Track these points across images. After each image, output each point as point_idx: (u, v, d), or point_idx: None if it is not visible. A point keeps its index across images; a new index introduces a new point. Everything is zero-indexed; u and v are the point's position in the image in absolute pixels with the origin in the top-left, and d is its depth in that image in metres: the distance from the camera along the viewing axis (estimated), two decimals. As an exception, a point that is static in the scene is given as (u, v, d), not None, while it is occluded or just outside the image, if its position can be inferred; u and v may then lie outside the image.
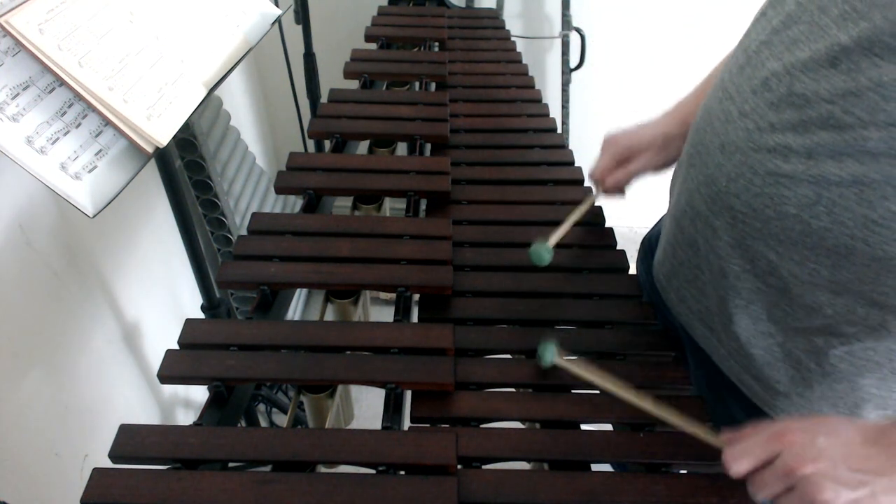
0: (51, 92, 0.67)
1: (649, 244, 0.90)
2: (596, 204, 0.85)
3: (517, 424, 0.63)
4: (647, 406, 0.59)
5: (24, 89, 0.65)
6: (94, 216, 0.68)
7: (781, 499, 0.51)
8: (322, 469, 0.56)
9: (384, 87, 1.16)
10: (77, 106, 0.69)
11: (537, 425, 0.60)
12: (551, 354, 0.63)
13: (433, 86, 1.17)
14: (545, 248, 0.71)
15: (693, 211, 0.67)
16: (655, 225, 0.92)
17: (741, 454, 0.52)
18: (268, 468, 0.54)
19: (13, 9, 0.64)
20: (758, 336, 0.65)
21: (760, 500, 0.52)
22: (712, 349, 0.71)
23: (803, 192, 0.55)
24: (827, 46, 0.52)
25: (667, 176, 0.81)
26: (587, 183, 0.88)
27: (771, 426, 0.53)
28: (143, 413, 1.32)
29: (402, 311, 0.70)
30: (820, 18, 0.53)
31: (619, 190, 0.84)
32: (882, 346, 0.59)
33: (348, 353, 0.63)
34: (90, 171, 0.69)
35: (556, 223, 0.82)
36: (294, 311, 1.93)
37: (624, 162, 0.82)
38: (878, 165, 0.50)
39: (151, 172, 1.01)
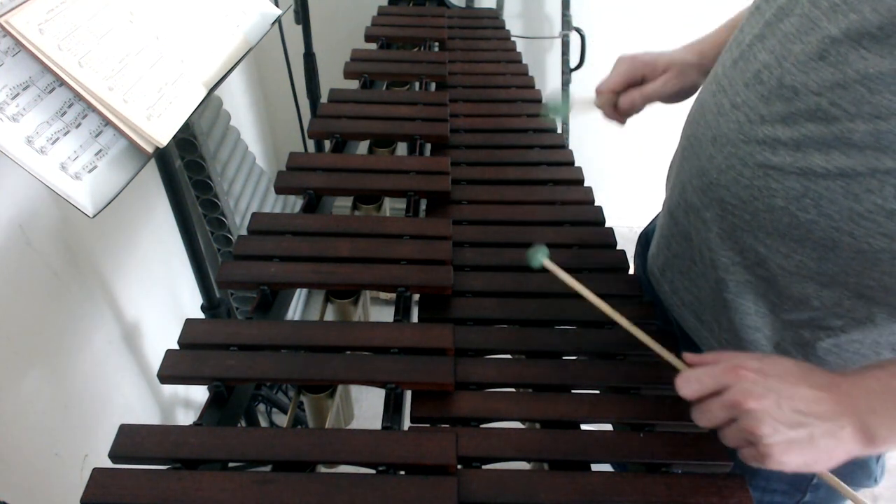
0: (51, 92, 0.67)
1: (646, 238, 0.90)
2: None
3: (517, 424, 0.63)
4: (621, 320, 0.62)
5: (24, 89, 0.65)
6: (94, 216, 0.68)
7: (723, 429, 0.53)
8: (322, 469, 0.56)
9: (384, 87, 1.16)
10: (77, 106, 0.69)
11: (537, 425, 0.60)
12: (543, 255, 0.64)
13: (433, 86, 1.17)
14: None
15: (686, 203, 0.68)
16: (653, 220, 0.92)
17: (694, 379, 0.53)
18: (268, 468, 0.54)
19: (13, 9, 0.64)
20: (747, 328, 0.66)
21: (701, 425, 0.54)
22: (703, 341, 0.71)
23: (791, 185, 0.55)
24: (818, 39, 0.52)
25: (664, 172, 0.81)
26: (596, 102, 0.83)
27: (729, 358, 0.54)
28: (143, 413, 1.32)
29: (402, 311, 0.70)
30: (811, 11, 0.53)
31: (625, 113, 0.80)
32: (868, 338, 0.60)
33: (348, 353, 0.63)
34: (90, 171, 0.69)
35: (557, 223, 0.82)
36: (294, 311, 1.93)
37: (637, 83, 0.79)
38: (864, 158, 0.51)
39: (151, 172, 1.01)
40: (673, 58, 0.78)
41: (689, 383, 0.54)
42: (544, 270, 0.66)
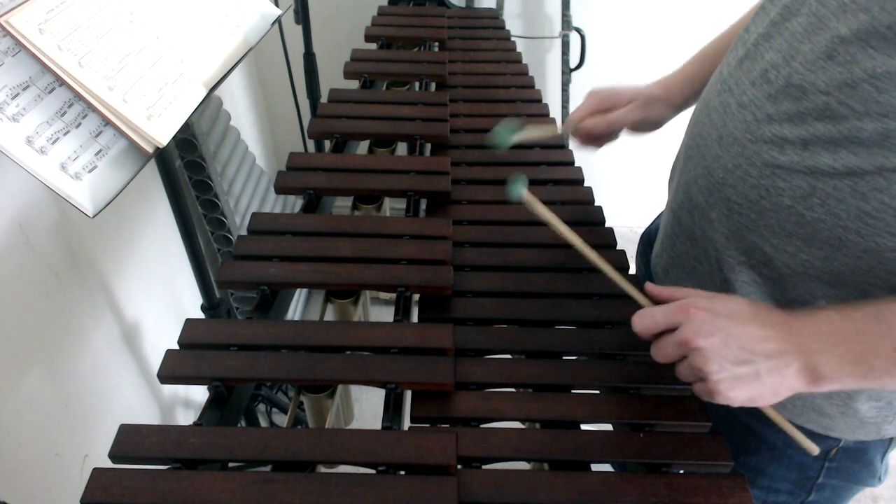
0: (51, 92, 0.67)
1: (648, 238, 0.90)
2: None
3: (517, 424, 0.63)
4: (588, 252, 0.64)
5: (24, 89, 0.65)
6: (94, 216, 0.68)
7: (677, 365, 0.55)
8: (322, 469, 0.56)
9: (384, 87, 1.16)
10: (77, 106, 0.69)
11: (537, 425, 0.60)
12: (522, 186, 0.66)
13: (433, 86, 1.17)
14: (509, 130, 0.72)
15: (691, 202, 0.68)
16: (655, 219, 0.92)
17: (648, 316, 0.56)
18: (268, 468, 0.54)
19: (13, 9, 0.64)
20: None
21: (657, 360, 0.56)
22: None
23: (798, 184, 0.55)
24: (827, 39, 0.52)
25: (665, 172, 0.81)
26: (561, 130, 0.90)
27: (684, 296, 0.56)
28: (143, 413, 1.32)
29: (402, 311, 0.70)
30: (819, 10, 0.53)
31: (592, 139, 0.86)
32: None
33: (348, 353, 0.63)
34: (90, 171, 0.69)
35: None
36: (294, 311, 1.93)
37: (604, 111, 0.84)
38: (872, 157, 0.51)
39: (151, 172, 1.01)
40: (638, 90, 0.83)
41: (642, 319, 0.56)
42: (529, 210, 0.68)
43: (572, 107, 1.83)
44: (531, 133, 0.81)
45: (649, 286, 0.60)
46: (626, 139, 0.89)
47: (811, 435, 0.67)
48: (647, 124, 0.83)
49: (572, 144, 0.92)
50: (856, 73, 0.50)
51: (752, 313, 0.53)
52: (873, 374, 0.50)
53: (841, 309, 0.53)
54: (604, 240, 0.81)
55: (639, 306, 0.59)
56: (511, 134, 0.68)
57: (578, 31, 1.77)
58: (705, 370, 0.51)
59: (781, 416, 0.57)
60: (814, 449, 0.58)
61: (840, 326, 0.51)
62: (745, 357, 0.51)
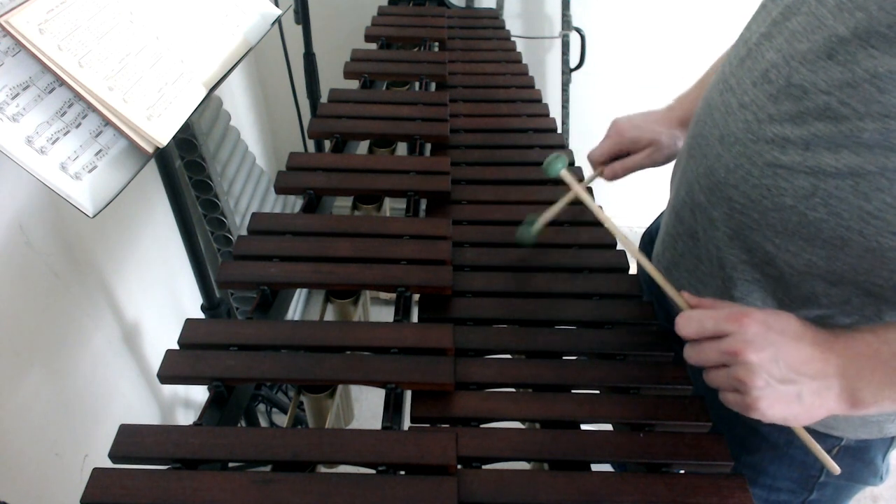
0: (51, 92, 0.67)
1: (650, 237, 0.90)
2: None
3: (517, 424, 0.63)
4: (630, 248, 0.66)
5: (24, 89, 0.65)
6: (94, 216, 0.68)
7: (711, 371, 0.54)
8: (322, 469, 0.56)
9: (384, 87, 1.16)
10: (77, 106, 0.69)
11: (537, 425, 0.60)
12: (562, 164, 0.70)
13: (433, 86, 1.17)
14: (529, 231, 0.75)
15: (692, 202, 0.68)
16: (656, 219, 0.92)
17: (696, 320, 0.55)
18: (268, 468, 0.54)
19: (13, 9, 0.64)
20: None
21: (691, 362, 0.55)
22: None
23: (800, 184, 0.55)
24: (825, 38, 0.52)
25: (666, 172, 0.81)
26: (587, 180, 0.91)
27: (733, 306, 0.55)
28: (143, 413, 1.32)
29: (402, 311, 0.70)
30: (818, 9, 0.54)
31: (609, 180, 0.88)
32: None
33: (348, 353, 0.63)
34: (90, 171, 0.69)
35: (557, 223, 0.82)
36: (294, 311, 1.93)
37: (624, 153, 0.85)
38: (874, 157, 0.51)
39: (151, 172, 1.01)
40: (658, 134, 0.84)
41: (690, 322, 0.55)
42: (560, 183, 0.72)
43: (572, 107, 1.84)
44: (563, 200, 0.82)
45: (689, 296, 0.59)
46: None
47: (814, 433, 0.67)
48: (668, 159, 0.85)
49: (572, 143, 0.92)
50: (857, 72, 0.50)
51: (802, 331, 0.53)
52: None
53: (877, 331, 0.52)
54: (604, 240, 0.81)
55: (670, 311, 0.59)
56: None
57: (578, 31, 1.77)
58: (749, 384, 0.50)
59: (809, 436, 0.57)
60: (836, 469, 0.58)
61: (877, 349, 0.51)
62: (790, 376, 0.50)
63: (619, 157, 0.87)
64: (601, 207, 0.71)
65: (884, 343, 0.51)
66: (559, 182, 0.76)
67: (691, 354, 0.55)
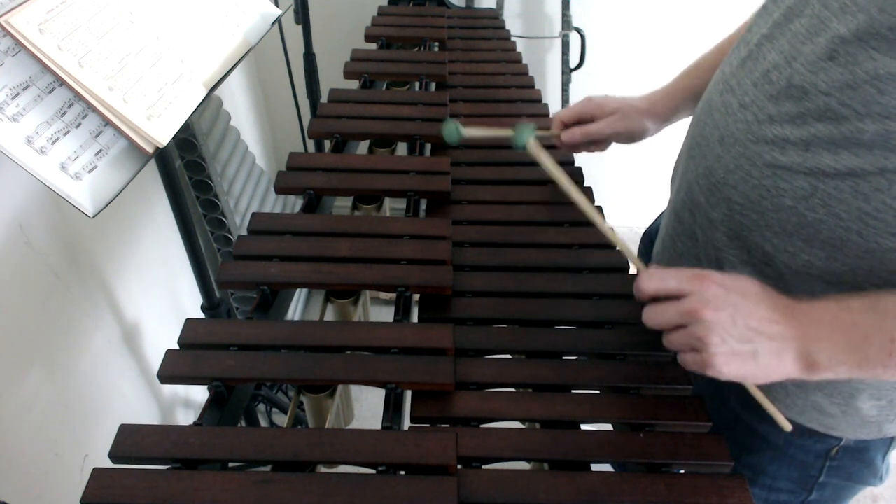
0: (51, 92, 0.67)
1: (650, 238, 0.90)
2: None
3: (517, 424, 0.63)
4: (593, 215, 0.66)
5: (24, 89, 0.65)
6: (94, 216, 0.68)
7: (669, 334, 0.55)
8: (322, 469, 0.56)
9: (384, 87, 1.16)
10: (77, 106, 0.69)
11: (537, 425, 0.60)
12: (529, 133, 0.67)
13: (433, 86, 1.17)
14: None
15: (692, 202, 0.68)
16: (656, 219, 0.92)
17: (657, 277, 0.56)
18: (268, 468, 0.54)
19: (13, 9, 0.64)
20: None
21: (650, 326, 0.56)
22: None
23: (800, 184, 0.55)
24: (827, 39, 0.53)
25: (667, 172, 0.81)
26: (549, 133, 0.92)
27: (695, 270, 0.56)
28: (143, 413, 1.32)
29: (402, 311, 0.70)
30: (821, 11, 0.54)
31: (569, 145, 0.88)
32: None
33: (348, 353, 0.63)
34: (90, 171, 0.69)
35: (557, 223, 0.82)
36: (294, 311, 1.93)
37: (587, 121, 0.86)
38: (873, 158, 0.51)
39: (151, 172, 1.01)
40: (623, 102, 0.85)
41: (651, 279, 0.56)
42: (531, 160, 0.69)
43: (572, 107, 1.84)
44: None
45: (652, 267, 0.60)
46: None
47: (813, 433, 0.68)
48: (627, 136, 0.85)
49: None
50: (857, 74, 0.50)
51: (762, 294, 0.54)
52: (867, 363, 0.51)
53: (840, 299, 0.53)
54: (604, 240, 0.80)
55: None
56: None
57: (578, 31, 1.77)
58: (706, 341, 0.52)
59: (761, 392, 0.58)
60: (786, 425, 0.59)
61: (837, 315, 0.52)
62: (748, 336, 0.51)
63: (583, 122, 0.87)
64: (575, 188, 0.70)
65: (845, 310, 0.52)
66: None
67: (651, 316, 0.56)
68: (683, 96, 0.84)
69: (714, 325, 0.51)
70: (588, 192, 0.88)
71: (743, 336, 0.51)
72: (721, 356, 0.52)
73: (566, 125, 0.87)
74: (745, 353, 0.52)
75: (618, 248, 0.63)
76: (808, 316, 0.53)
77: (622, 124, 0.84)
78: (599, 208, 0.85)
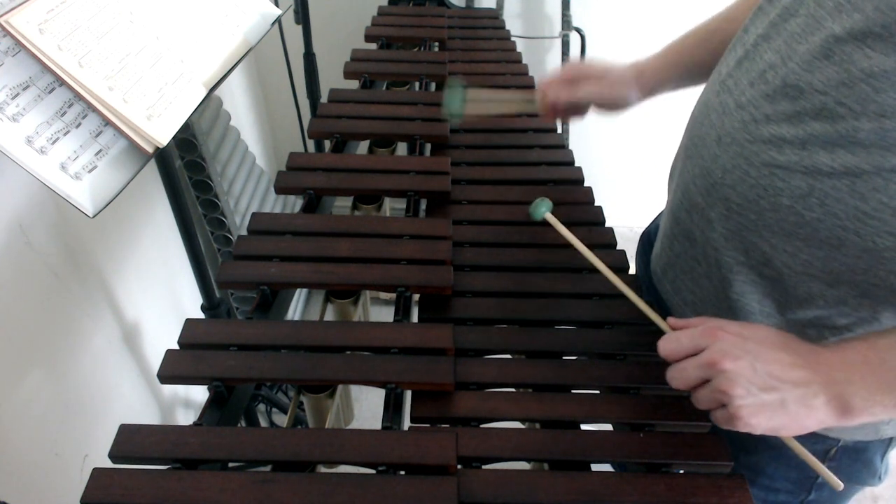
0: (51, 92, 0.67)
1: (648, 238, 0.90)
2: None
3: (517, 424, 0.63)
4: (613, 278, 0.67)
5: (24, 89, 0.65)
6: (94, 216, 0.68)
7: (697, 391, 0.53)
8: (322, 469, 0.56)
9: (384, 87, 1.16)
10: (77, 106, 0.69)
11: (537, 425, 0.60)
12: (546, 208, 0.75)
13: (433, 86, 1.17)
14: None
15: (689, 203, 0.68)
16: (655, 219, 0.92)
17: (673, 339, 0.55)
18: (268, 468, 0.54)
19: (13, 9, 0.64)
20: None
21: (675, 387, 0.55)
22: None
23: (797, 184, 0.55)
24: (822, 38, 0.53)
25: (665, 172, 0.81)
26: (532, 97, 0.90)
27: (711, 320, 0.55)
28: (143, 413, 1.32)
29: (402, 311, 0.70)
30: (816, 11, 0.54)
31: (556, 111, 0.86)
32: None
33: (348, 353, 0.63)
34: (90, 171, 0.69)
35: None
36: (294, 311, 1.93)
37: (572, 84, 0.84)
38: (870, 156, 0.51)
39: (151, 172, 1.01)
40: (610, 67, 0.83)
41: (667, 343, 0.55)
42: (545, 224, 0.74)
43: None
44: (496, 105, 0.81)
45: (672, 319, 0.60)
46: (625, 138, 0.89)
47: (811, 434, 0.67)
48: (611, 103, 0.83)
49: (572, 143, 0.92)
50: (853, 72, 0.50)
51: (781, 341, 0.52)
52: None
53: (866, 338, 0.52)
54: (604, 240, 0.81)
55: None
56: (460, 101, 0.68)
57: (578, 31, 1.77)
58: (730, 393, 0.50)
59: (801, 446, 0.56)
60: (838, 485, 0.57)
61: (866, 356, 0.51)
62: (771, 384, 0.50)
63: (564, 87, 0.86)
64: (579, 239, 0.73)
65: (871, 349, 0.51)
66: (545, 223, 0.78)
67: (674, 375, 0.54)
68: (672, 72, 0.82)
69: (735, 375, 0.49)
70: (588, 193, 0.89)
71: (766, 384, 0.49)
72: (747, 408, 0.50)
73: (549, 88, 0.86)
74: (772, 403, 0.50)
75: (645, 312, 0.64)
76: (835, 358, 0.51)
77: (607, 90, 0.82)
78: (600, 208, 0.86)
